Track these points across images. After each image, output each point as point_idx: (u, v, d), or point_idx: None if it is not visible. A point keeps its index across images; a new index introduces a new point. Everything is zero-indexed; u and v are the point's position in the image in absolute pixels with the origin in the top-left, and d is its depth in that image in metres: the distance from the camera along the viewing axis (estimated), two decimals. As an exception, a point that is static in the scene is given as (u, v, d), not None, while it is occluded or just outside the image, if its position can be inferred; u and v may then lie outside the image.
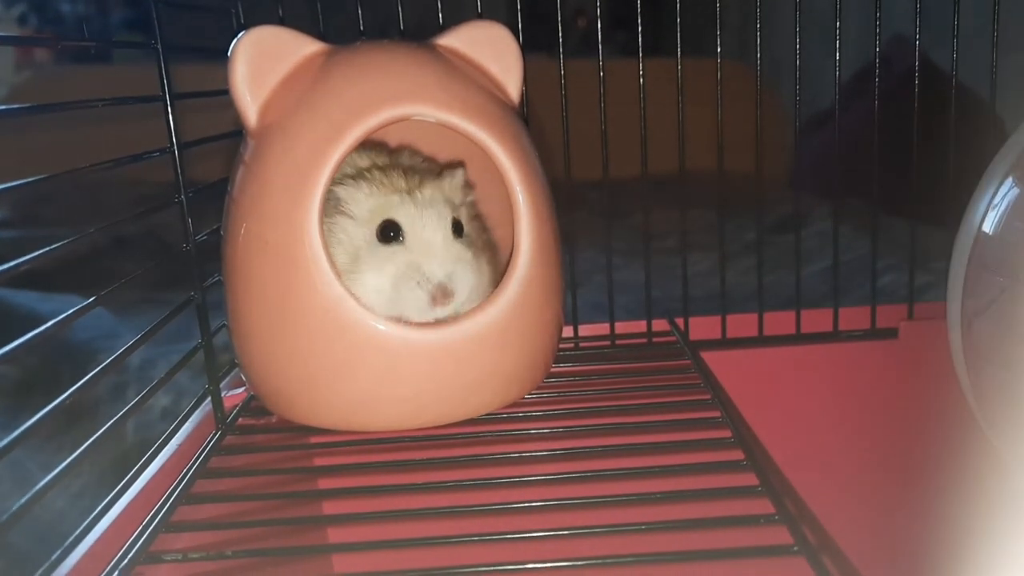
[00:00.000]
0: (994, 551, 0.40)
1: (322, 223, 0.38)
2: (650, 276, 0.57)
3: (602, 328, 0.59)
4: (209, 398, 0.45)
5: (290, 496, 0.44)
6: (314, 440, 0.43)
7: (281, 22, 0.47)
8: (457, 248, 0.40)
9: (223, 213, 0.43)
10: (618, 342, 0.58)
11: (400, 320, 0.39)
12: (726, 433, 0.40)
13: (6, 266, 0.30)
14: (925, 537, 0.55)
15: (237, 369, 0.50)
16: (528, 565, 0.31)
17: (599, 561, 0.31)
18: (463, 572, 0.31)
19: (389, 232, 0.40)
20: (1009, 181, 0.45)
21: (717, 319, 0.59)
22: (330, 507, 0.53)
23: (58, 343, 0.85)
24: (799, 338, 0.59)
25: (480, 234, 0.45)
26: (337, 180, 0.41)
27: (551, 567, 0.31)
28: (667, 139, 0.56)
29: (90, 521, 0.34)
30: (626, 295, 0.70)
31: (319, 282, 0.38)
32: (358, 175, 0.42)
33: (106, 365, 0.36)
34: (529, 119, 0.53)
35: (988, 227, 0.45)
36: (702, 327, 0.59)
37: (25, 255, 0.31)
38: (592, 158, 0.56)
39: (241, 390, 0.48)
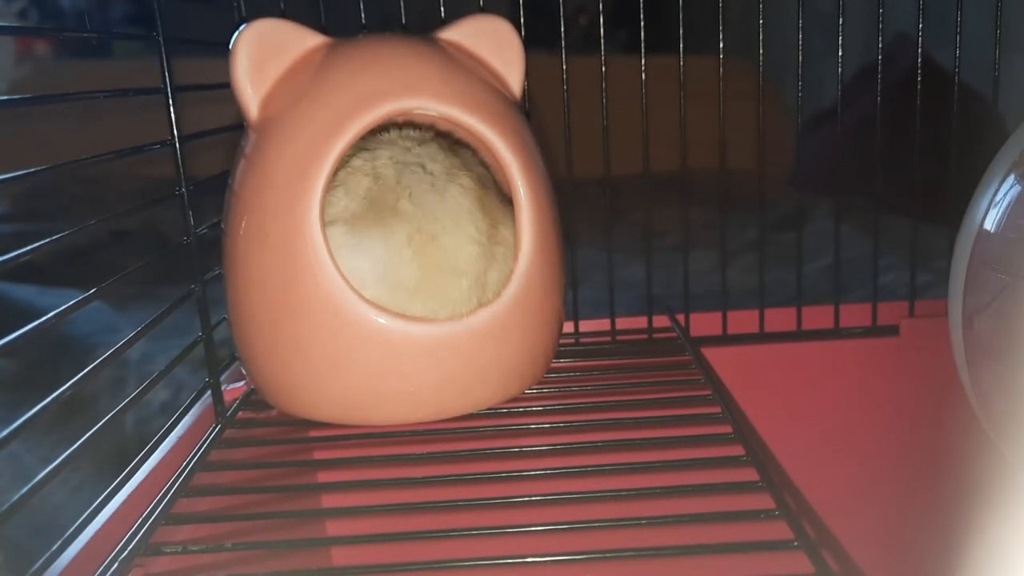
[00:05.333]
0: (994, 548, 0.40)
1: (323, 216, 0.38)
2: (651, 272, 0.57)
3: (603, 324, 0.59)
4: (209, 392, 0.45)
5: (290, 489, 0.44)
6: (314, 434, 0.43)
7: (283, 15, 0.47)
8: None
9: (224, 206, 0.43)
10: (619, 338, 0.58)
11: (401, 314, 0.39)
12: (726, 429, 0.40)
13: (4, 257, 0.30)
14: (925, 533, 0.55)
15: (237, 363, 0.50)
16: (528, 559, 0.31)
17: (599, 555, 0.31)
18: (462, 566, 0.31)
19: None
20: (1011, 179, 0.45)
21: (718, 315, 0.59)
22: (329, 500, 0.53)
23: (57, 337, 0.85)
24: (800, 335, 0.59)
25: None
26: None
27: (551, 561, 0.31)
28: (669, 136, 0.55)
29: (90, 513, 0.34)
30: (627, 293, 0.70)
31: (320, 275, 0.38)
32: None
33: (105, 358, 0.35)
34: (531, 116, 0.53)
35: (989, 225, 0.45)
36: (703, 323, 0.59)
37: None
38: (593, 155, 0.56)
39: (241, 384, 0.48)
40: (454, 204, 0.40)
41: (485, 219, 0.40)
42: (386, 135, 0.42)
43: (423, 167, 0.41)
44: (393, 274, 0.39)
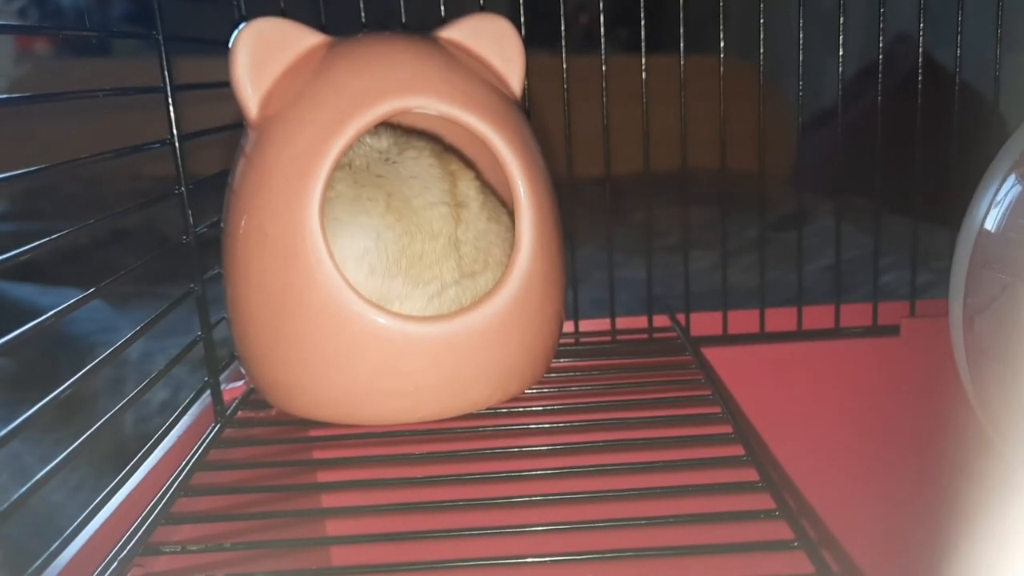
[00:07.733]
0: (993, 546, 0.40)
1: (323, 215, 0.38)
2: (651, 272, 0.57)
3: (603, 324, 0.59)
4: (208, 391, 0.45)
5: (289, 489, 0.44)
6: (313, 433, 0.43)
7: (282, 14, 0.47)
8: None
9: (223, 205, 0.43)
10: (619, 337, 0.58)
11: (400, 313, 0.39)
12: (727, 428, 0.40)
13: (4, 256, 0.30)
14: (925, 532, 0.55)
15: (236, 362, 0.49)
16: (528, 559, 0.31)
17: (599, 555, 0.31)
18: (462, 566, 0.31)
19: None
20: (1012, 179, 0.45)
21: (718, 315, 0.59)
22: (329, 500, 0.53)
23: (57, 336, 0.85)
24: (801, 335, 0.59)
25: None
26: None
27: (551, 561, 0.31)
28: (669, 136, 0.55)
29: (89, 513, 0.34)
30: (627, 292, 0.70)
31: (319, 275, 0.38)
32: None
33: (104, 357, 0.35)
34: (531, 115, 0.53)
35: (990, 225, 0.45)
36: (703, 323, 0.59)
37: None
38: (594, 154, 0.56)
39: (240, 383, 0.48)
40: (412, 166, 0.42)
41: (446, 178, 0.42)
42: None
43: (387, 159, 0.43)
44: (382, 243, 0.40)
